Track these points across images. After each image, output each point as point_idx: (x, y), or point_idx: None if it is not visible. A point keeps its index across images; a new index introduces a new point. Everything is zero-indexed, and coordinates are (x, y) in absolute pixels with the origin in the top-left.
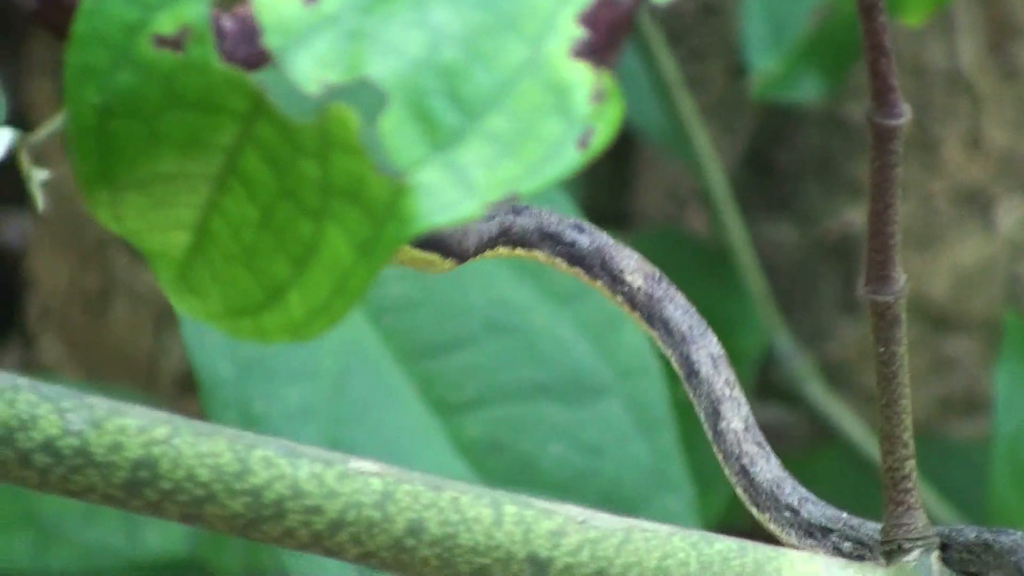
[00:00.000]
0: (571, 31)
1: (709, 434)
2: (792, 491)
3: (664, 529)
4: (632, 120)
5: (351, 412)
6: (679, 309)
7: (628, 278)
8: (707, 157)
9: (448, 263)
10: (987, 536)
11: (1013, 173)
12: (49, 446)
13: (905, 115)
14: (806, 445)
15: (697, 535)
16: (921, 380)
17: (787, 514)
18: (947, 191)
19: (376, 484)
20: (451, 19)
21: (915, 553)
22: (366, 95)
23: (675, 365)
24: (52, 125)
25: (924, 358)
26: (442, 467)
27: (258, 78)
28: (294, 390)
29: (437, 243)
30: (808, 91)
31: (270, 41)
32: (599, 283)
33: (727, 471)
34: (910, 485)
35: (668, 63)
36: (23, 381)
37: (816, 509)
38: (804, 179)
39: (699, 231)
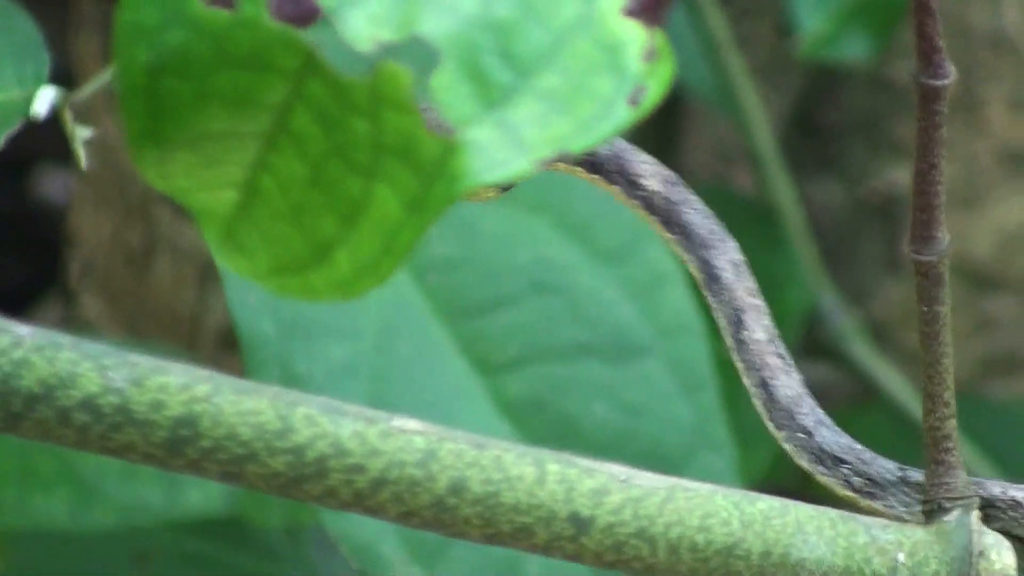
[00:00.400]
0: None
1: (729, 341)
2: (810, 412)
3: (706, 488)
4: (680, 78)
5: (394, 371)
6: (698, 214)
7: (645, 182)
8: (754, 116)
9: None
10: (1015, 493)
11: None
12: (89, 403)
13: (950, 75)
14: (850, 403)
15: (739, 494)
16: (963, 340)
17: (800, 435)
18: (991, 151)
19: (419, 442)
20: None
21: (955, 513)
22: (419, 52)
23: (693, 270)
24: (97, 83)
25: (967, 318)
26: (484, 426)
27: (310, 36)
28: (336, 348)
29: None
30: (855, 51)
31: None
32: (616, 188)
33: (746, 381)
34: (951, 444)
35: (717, 22)
36: (65, 339)
37: (830, 435)
38: (850, 139)
39: (746, 189)
